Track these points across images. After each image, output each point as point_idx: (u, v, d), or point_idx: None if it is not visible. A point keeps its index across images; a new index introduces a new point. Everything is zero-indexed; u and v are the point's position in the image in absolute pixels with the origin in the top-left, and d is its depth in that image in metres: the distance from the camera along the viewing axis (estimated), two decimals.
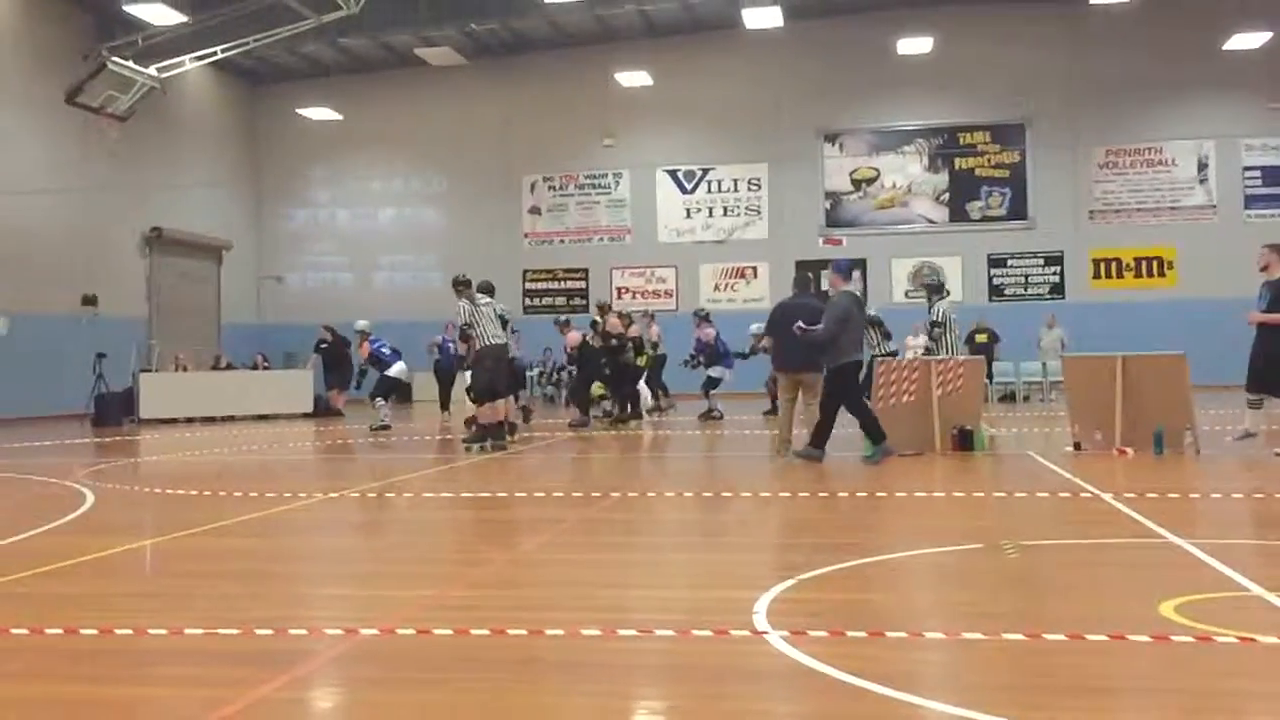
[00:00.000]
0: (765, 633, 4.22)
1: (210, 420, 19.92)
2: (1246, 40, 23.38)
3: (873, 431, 10.24)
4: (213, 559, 6.23)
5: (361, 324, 17.14)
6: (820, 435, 10.38)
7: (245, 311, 28.33)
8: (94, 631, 4.48)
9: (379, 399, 16.44)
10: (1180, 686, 3.62)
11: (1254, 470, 9.06)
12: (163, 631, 4.44)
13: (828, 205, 26.73)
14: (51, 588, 5.47)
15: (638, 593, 5.43)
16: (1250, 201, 24.60)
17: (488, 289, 12.89)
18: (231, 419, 20.13)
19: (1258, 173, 24.85)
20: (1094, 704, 3.40)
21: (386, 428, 16.05)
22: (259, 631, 4.38)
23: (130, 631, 4.44)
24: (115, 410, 19.47)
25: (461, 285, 12.63)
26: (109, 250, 23.58)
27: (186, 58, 22.33)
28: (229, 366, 23.48)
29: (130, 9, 20.77)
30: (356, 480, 9.88)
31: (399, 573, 5.94)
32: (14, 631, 4.49)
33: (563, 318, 18.85)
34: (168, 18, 21.22)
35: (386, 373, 16.55)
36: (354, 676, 3.88)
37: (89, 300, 22.64)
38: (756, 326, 16.34)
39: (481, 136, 27.68)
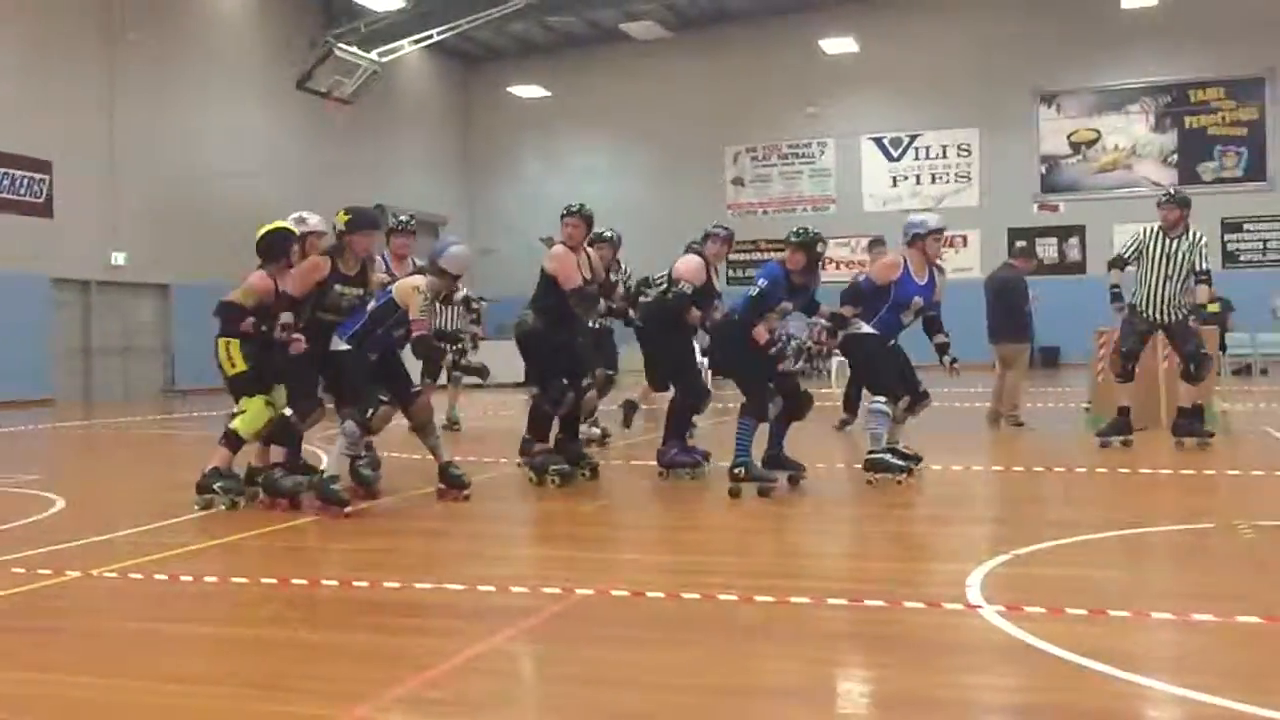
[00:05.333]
0: (979, 606, 4.16)
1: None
2: None
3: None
4: (446, 518, 6.57)
5: None
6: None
7: (465, 282, 29.48)
8: (334, 583, 4.82)
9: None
10: None
11: None
12: (396, 585, 4.73)
13: (1043, 170, 25.62)
14: (291, 541, 5.91)
15: (848, 563, 5.43)
16: None
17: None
18: (442, 387, 20.95)
19: None
20: None
21: None
22: (481, 588, 4.61)
23: (366, 584, 4.76)
24: None
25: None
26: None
27: (405, 41, 23.33)
28: None
29: None
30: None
31: (612, 537, 6.13)
32: (263, 580, 4.88)
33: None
34: (389, 4, 22.28)
35: None
36: (569, 633, 4.04)
37: None
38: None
39: (685, 108, 27.80)
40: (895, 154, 26.66)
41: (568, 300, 7.36)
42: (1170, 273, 8.78)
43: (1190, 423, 8.84)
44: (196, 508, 6.63)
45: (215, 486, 6.65)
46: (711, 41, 27.40)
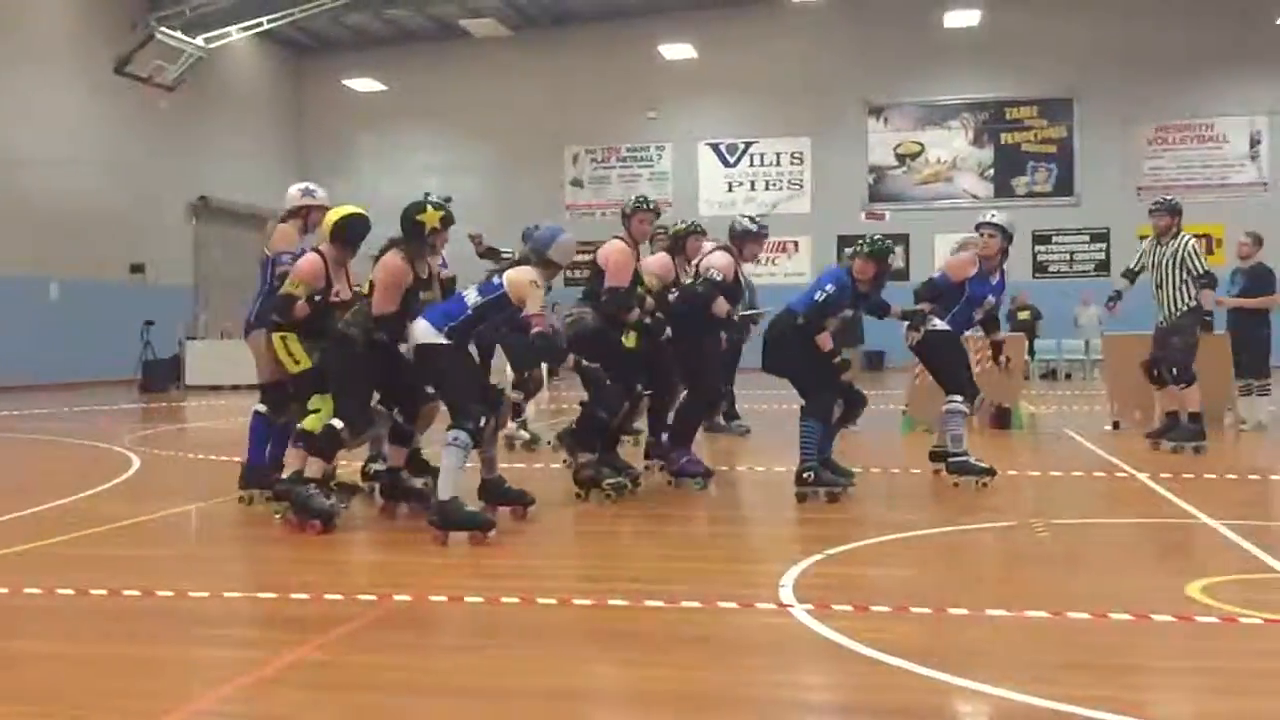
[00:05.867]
0: (790, 606, 4.28)
1: (255, 388, 20.18)
2: None
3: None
4: (255, 524, 6.37)
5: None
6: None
7: None
8: (136, 593, 4.62)
9: None
10: (1202, 666, 3.64)
11: None
12: (204, 594, 4.57)
13: (871, 179, 26.53)
14: (96, 550, 5.64)
15: (667, 565, 5.51)
16: None
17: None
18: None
19: None
20: (1114, 681, 3.43)
21: None
22: (295, 596, 4.50)
23: (171, 594, 4.58)
24: (162, 376, 19.86)
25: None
26: (157, 219, 23.90)
27: (233, 28, 22.50)
28: None
29: None
30: None
31: (427, 540, 6.05)
32: (59, 592, 4.64)
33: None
34: None
35: None
36: (386, 641, 3.98)
37: (137, 268, 23.01)
38: None
39: (524, 108, 27.70)
40: (731, 160, 27.18)
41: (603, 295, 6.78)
42: (1160, 280, 9.09)
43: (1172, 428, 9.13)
44: (276, 517, 6.11)
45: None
46: (552, 42, 27.38)
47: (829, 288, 6.75)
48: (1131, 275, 9.35)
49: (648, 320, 6.91)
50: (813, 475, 6.65)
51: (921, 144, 26.39)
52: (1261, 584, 4.66)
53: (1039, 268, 25.49)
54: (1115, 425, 10.79)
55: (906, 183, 26.45)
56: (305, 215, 6.82)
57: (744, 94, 26.82)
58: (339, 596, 4.48)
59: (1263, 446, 9.62)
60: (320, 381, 6.12)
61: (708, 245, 7.65)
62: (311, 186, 7.03)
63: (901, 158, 26.48)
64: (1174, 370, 8.99)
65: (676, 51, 26.01)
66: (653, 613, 4.27)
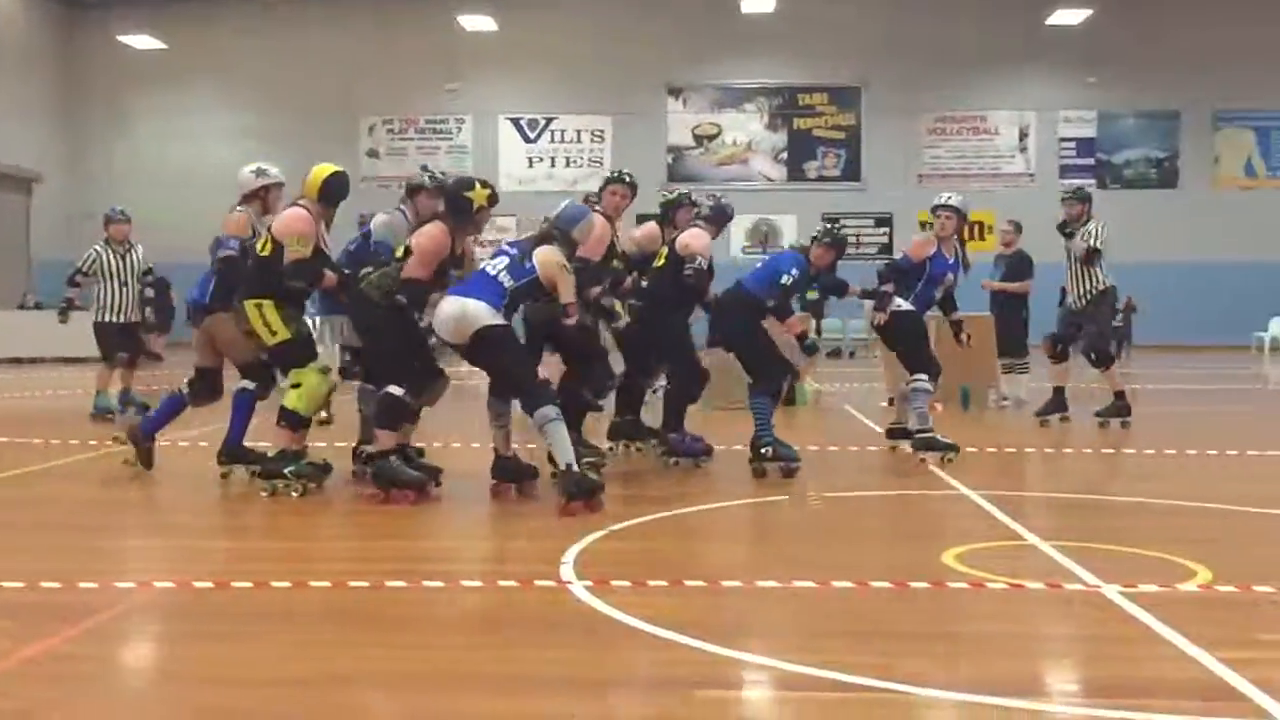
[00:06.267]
0: (569, 582, 4.31)
1: (16, 362, 18.92)
2: (1068, 16, 24.45)
3: None
4: (11, 508, 5.96)
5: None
6: None
7: (60, 249, 26.81)
8: None
9: None
10: (950, 631, 3.87)
11: (1054, 429, 9.60)
12: None
13: (670, 160, 26.91)
14: None
15: (449, 544, 5.47)
16: (1065, 171, 25.80)
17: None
18: (40, 361, 19.17)
19: (1072, 144, 26.12)
20: (871, 647, 3.60)
21: None
22: (45, 585, 4.23)
23: None
24: None
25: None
26: None
27: None
28: (38, 306, 22.24)
29: None
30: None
31: (202, 525, 5.81)
32: None
33: None
34: None
35: None
36: (144, 630, 3.79)
37: None
38: None
39: (318, 74, 26.71)
40: (532, 135, 27.04)
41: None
42: (1069, 263, 9.51)
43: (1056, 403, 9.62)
44: (264, 494, 6.04)
45: (286, 471, 5.98)
46: (347, 6, 26.52)
47: (794, 272, 7.02)
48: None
49: (607, 302, 6.62)
50: (771, 450, 6.79)
51: (719, 126, 26.92)
52: (1010, 551, 4.99)
53: None
54: (890, 402, 11.30)
55: (705, 163, 26.95)
56: (264, 196, 6.61)
57: (545, 70, 26.69)
58: (94, 585, 4.24)
59: (1019, 422, 10.28)
60: (298, 353, 6.08)
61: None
62: (264, 166, 6.74)
63: (700, 139, 26.95)
64: (1093, 355, 9.53)
65: (476, 23, 25.63)
66: (431, 593, 4.22)
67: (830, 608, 4.13)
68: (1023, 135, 26.21)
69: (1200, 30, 24.76)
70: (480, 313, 5.66)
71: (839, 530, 5.65)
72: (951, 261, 7.80)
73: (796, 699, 3.22)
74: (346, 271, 6.26)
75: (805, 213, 26.51)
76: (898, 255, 8.14)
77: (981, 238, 25.31)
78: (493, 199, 6.11)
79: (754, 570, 4.62)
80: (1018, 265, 11.09)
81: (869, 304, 7.67)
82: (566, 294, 5.78)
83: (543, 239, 6.06)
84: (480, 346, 5.71)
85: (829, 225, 7.50)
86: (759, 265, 7.43)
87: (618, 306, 6.59)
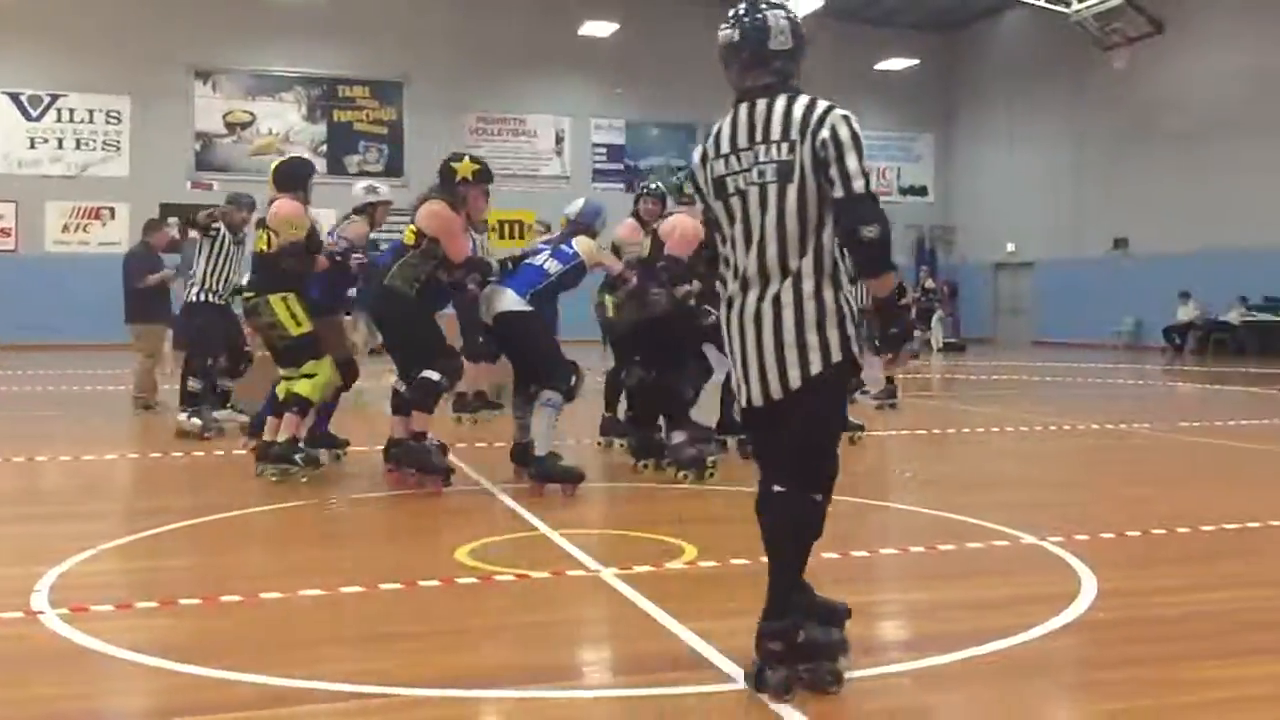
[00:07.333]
0: (41, 612, 3.88)
1: None
2: (597, 28, 25.85)
3: None
4: None
5: None
6: None
7: None
8: None
9: None
10: (450, 627, 3.89)
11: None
12: None
13: (198, 147, 25.24)
14: None
15: None
16: (597, 175, 27.31)
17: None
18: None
19: (603, 149, 27.65)
20: (371, 651, 3.54)
21: None
22: None
23: None
24: None
25: None
26: None
27: None
28: None
29: None
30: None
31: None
32: None
33: None
34: None
35: None
36: None
37: None
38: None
39: None
40: (35, 113, 24.23)
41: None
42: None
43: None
44: (272, 478, 6.34)
45: (295, 457, 6.36)
46: None
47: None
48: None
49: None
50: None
51: (253, 114, 25.66)
52: (520, 543, 5.13)
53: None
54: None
55: (238, 153, 25.55)
56: (373, 212, 7.42)
57: (52, 41, 23.98)
58: None
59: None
60: (318, 345, 6.50)
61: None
62: (375, 184, 7.59)
63: (232, 126, 25.53)
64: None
65: None
66: None
67: (335, 614, 4.03)
68: (559, 139, 27.35)
69: (712, 50, 27.13)
70: (505, 298, 6.11)
71: (352, 533, 5.57)
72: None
73: (286, 714, 3.08)
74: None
75: (345, 207, 25.90)
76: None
77: (521, 236, 26.23)
78: (481, 174, 6.31)
79: (256, 582, 4.40)
80: None
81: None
82: (615, 265, 6.62)
83: (571, 235, 6.61)
84: (501, 329, 6.19)
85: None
86: None
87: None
